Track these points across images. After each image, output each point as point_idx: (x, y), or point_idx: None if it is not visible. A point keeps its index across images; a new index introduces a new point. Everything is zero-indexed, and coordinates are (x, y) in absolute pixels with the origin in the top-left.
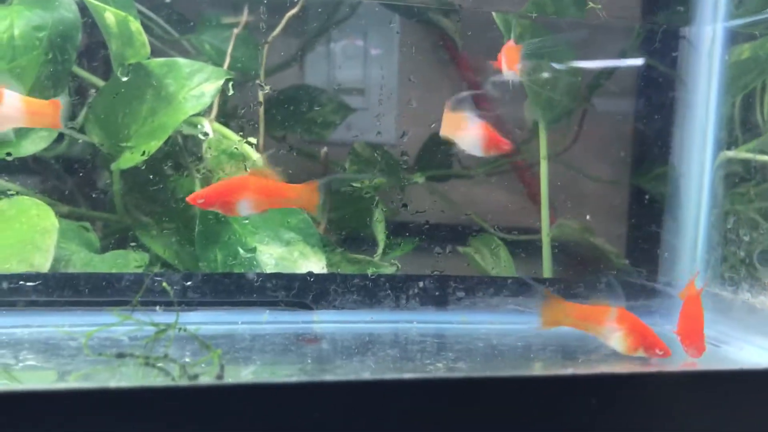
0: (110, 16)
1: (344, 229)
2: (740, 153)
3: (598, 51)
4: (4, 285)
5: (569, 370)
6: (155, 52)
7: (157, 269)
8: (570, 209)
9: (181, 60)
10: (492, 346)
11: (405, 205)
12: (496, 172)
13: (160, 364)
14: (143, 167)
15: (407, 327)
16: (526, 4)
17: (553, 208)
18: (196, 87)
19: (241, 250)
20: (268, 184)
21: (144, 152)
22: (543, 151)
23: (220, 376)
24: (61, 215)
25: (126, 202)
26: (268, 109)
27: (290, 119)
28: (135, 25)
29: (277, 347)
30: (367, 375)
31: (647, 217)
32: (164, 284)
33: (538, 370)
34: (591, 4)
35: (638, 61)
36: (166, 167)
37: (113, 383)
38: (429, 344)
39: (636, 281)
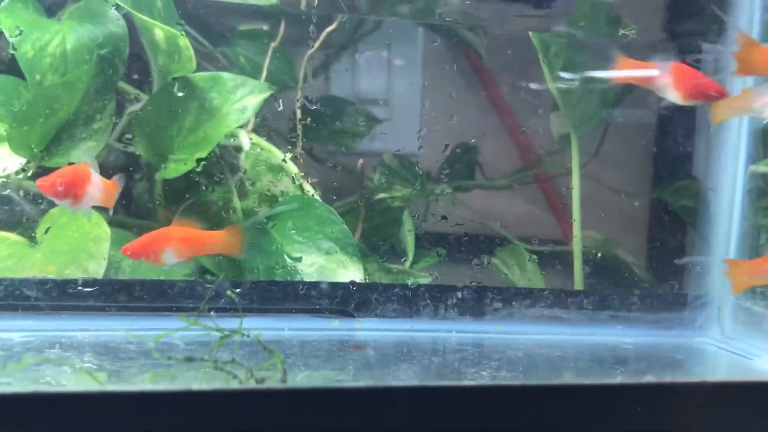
0: (159, 32)
1: (375, 239)
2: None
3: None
4: (64, 289)
5: (617, 379)
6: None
7: (201, 276)
8: (593, 221)
9: (225, 74)
10: (529, 356)
11: (444, 217)
12: (519, 183)
13: (227, 368)
14: (188, 178)
15: (446, 336)
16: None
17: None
18: (239, 101)
19: (281, 260)
20: (190, 233)
21: (188, 163)
22: (575, 163)
23: (284, 380)
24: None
25: (170, 212)
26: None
27: (320, 130)
28: (183, 40)
29: (324, 353)
30: (427, 381)
31: (667, 229)
32: (229, 292)
33: (581, 378)
34: (622, 30)
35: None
36: (204, 177)
37: (194, 386)
38: (469, 353)
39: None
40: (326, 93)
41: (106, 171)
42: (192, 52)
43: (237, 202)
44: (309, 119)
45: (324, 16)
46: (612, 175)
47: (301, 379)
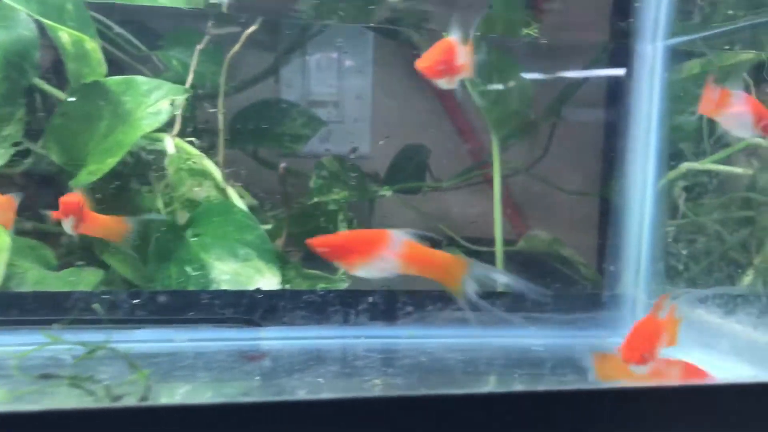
0: (65, 35)
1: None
2: (696, 165)
3: (559, 67)
4: None
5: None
6: (124, 68)
7: (111, 287)
8: (542, 221)
9: (138, 77)
10: (436, 361)
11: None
12: (467, 185)
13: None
14: (105, 183)
15: (355, 342)
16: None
17: (522, 220)
18: (154, 104)
19: (194, 267)
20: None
21: (101, 170)
22: (497, 166)
23: (144, 398)
24: (20, 232)
25: None
26: (237, 124)
27: (261, 133)
28: (91, 44)
29: (219, 365)
30: (286, 396)
31: (605, 229)
32: (96, 306)
33: (479, 385)
34: (526, 30)
35: (597, 75)
36: (129, 183)
37: (31, 406)
38: (373, 360)
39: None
40: (275, 95)
41: (24, 179)
42: (101, 55)
43: (161, 208)
44: (240, 121)
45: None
46: (563, 175)
47: (181, 394)
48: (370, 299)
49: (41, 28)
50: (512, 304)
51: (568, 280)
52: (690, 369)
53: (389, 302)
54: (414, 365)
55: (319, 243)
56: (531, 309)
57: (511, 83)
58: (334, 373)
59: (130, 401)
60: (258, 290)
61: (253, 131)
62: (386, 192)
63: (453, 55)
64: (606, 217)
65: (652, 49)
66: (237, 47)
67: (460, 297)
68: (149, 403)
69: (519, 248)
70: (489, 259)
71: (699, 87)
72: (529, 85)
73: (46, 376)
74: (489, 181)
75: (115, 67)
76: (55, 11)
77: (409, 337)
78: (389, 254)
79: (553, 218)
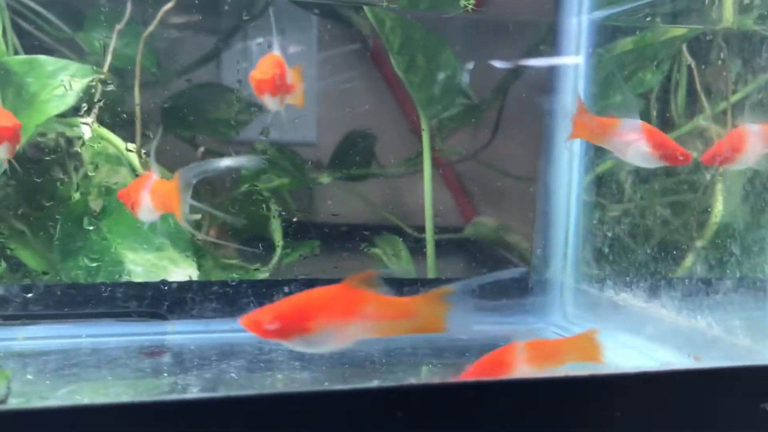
0: None
1: (240, 233)
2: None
3: (503, 47)
4: None
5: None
6: (47, 50)
7: (12, 278)
8: (489, 207)
9: (42, 57)
10: (355, 352)
11: (298, 210)
12: (413, 171)
13: None
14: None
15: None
16: None
17: (471, 206)
18: (60, 86)
19: (105, 258)
20: None
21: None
22: (426, 149)
23: (2, 401)
24: None
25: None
26: (173, 109)
27: (194, 119)
28: None
29: (113, 362)
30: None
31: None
32: None
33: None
34: (464, 2)
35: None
36: (46, 170)
37: None
38: (282, 353)
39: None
40: (212, 80)
41: None
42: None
43: (75, 195)
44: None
45: None
46: (507, 160)
47: (62, 393)
48: (287, 289)
49: None
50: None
51: (508, 266)
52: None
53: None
54: (329, 358)
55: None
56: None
57: (439, 63)
58: (237, 368)
59: None
60: (164, 281)
61: (187, 117)
62: (325, 179)
63: (285, 73)
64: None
65: (577, 23)
66: (152, 27)
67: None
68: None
69: (465, 235)
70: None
71: (632, 65)
72: (457, 65)
73: None
74: (436, 167)
75: (40, 51)
76: None
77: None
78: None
79: (500, 204)
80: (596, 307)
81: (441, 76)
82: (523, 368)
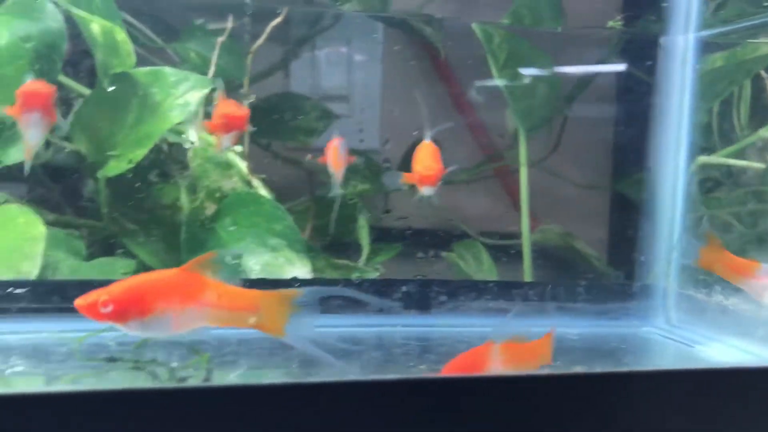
0: (96, 26)
1: (328, 235)
2: (713, 158)
3: (576, 59)
4: None
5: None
6: (140, 61)
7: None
8: (552, 214)
9: (166, 69)
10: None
11: (388, 211)
12: (479, 178)
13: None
14: (130, 175)
15: (391, 330)
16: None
17: (535, 214)
18: (182, 96)
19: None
20: None
21: (130, 160)
22: (523, 158)
23: (207, 379)
24: (47, 223)
25: (112, 210)
26: (253, 117)
27: (275, 127)
28: (120, 35)
29: (264, 351)
30: (351, 376)
31: (626, 221)
32: None
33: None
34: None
35: (614, 68)
36: (152, 175)
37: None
38: (412, 347)
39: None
40: (285, 89)
41: (50, 170)
42: (131, 46)
43: (184, 200)
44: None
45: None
46: (573, 169)
47: (232, 378)
48: (404, 288)
49: (67, 19)
50: (544, 293)
51: (590, 271)
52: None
53: (423, 291)
54: (452, 353)
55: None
56: (564, 299)
57: (540, 75)
58: (377, 360)
59: (194, 383)
60: (295, 279)
61: (268, 125)
62: (405, 185)
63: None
64: (621, 210)
65: (683, 41)
66: (261, 40)
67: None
68: (212, 383)
69: (532, 241)
70: (513, 252)
71: (722, 81)
72: (558, 78)
73: (111, 360)
74: (499, 176)
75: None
76: (83, 3)
77: (443, 325)
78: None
79: (562, 212)
80: (703, 311)
81: (542, 88)
82: (495, 369)
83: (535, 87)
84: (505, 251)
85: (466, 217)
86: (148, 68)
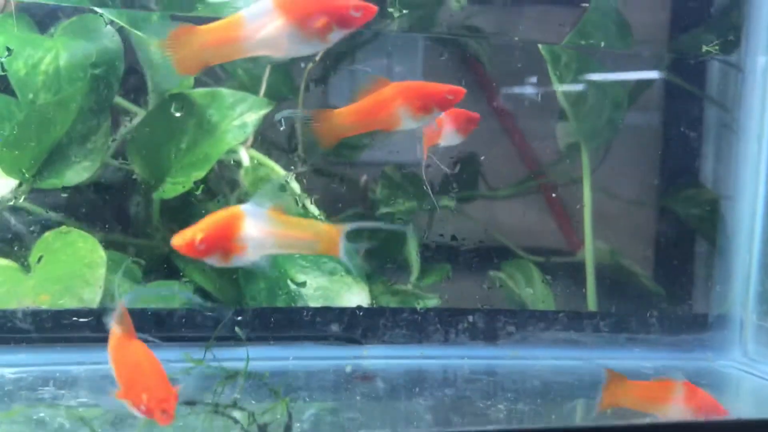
0: (154, 48)
1: (379, 256)
2: None
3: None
4: (58, 320)
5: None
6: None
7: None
8: (599, 231)
9: (224, 90)
10: (546, 384)
11: (441, 235)
12: (523, 194)
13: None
14: (185, 196)
15: (458, 363)
16: (567, 36)
17: (575, 232)
18: (239, 117)
19: (283, 282)
20: None
21: (184, 185)
22: (586, 176)
23: (289, 426)
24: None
25: (167, 231)
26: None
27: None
28: None
29: (331, 385)
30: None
31: (679, 240)
32: (237, 330)
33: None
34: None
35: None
36: (205, 194)
37: None
38: (483, 383)
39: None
40: (325, 104)
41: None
42: None
43: None
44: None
45: None
46: (618, 184)
47: (308, 416)
48: (470, 318)
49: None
50: (616, 324)
51: (645, 293)
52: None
53: (489, 321)
54: (527, 390)
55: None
56: (635, 330)
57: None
58: (451, 398)
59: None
60: (359, 307)
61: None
62: (449, 203)
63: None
64: (667, 228)
65: (765, 62)
66: (317, 59)
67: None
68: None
69: (577, 259)
70: (568, 270)
71: None
72: (624, 100)
73: (190, 403)
74: (543, 191)
75: None
76: (142, 23)
77: (512, 357)
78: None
79: (606, 229)
80: None
81: (608, 110)
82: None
83: (602, 105)
84: (553, 270)
85: (510, 234)
86: (205, 89)
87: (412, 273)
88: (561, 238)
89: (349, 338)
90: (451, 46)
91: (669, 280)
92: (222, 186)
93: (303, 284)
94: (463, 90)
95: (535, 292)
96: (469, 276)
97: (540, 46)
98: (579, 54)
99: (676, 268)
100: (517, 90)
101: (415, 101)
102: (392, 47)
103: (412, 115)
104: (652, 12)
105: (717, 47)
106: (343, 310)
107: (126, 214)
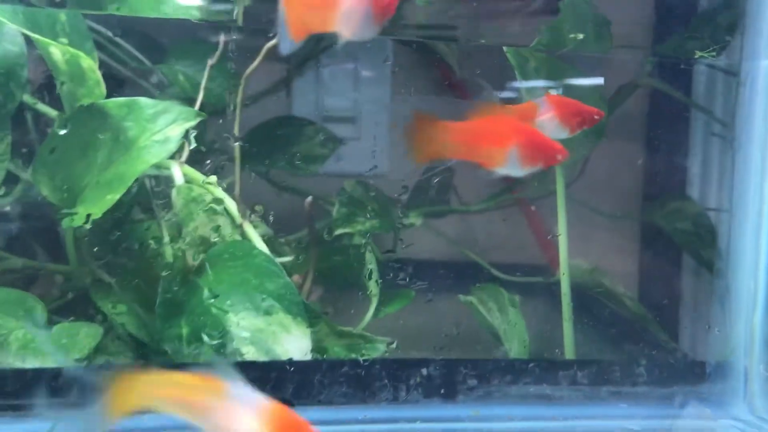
0: (56, 51)
1: (331, 282)
2: None
3: (610, 81)
4: None
5: None
6: (126, 83)
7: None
8: (578, 248)
9: (143, 100)
10: None
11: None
12: (497, 207)
13: None
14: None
15: (410, 428)
16: (536, 38)
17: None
18: (160, 131)
19: (209, 323)
20: None
21: (99, 206)
22: (560, 189)
23: None
24: (14, 269)
25: (83, 256)
26: (247, 143)
27: (274, 154)
28: (87, 61)
29: None
30: None
31: (664, 255)
32: None
33: None
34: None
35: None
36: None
37: None
38: None
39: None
40: (286, 110)
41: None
42: (99, 75)
43: (167, 247)
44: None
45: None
46: (598, 196)
47: None
48: (425, 371)
49: (31, 42)
50: (597, 374)
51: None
52: None
53: (448, 374)
54: None
55: None
56: (620, 381)
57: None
58: None
59: None
60: (290, 361)
61: (265, 151)
62: (415, 220)
63: None
64: (651, 243)
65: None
66: (256, 63)
67: None
68: None
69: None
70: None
71: None
72: (603, 106)
73: None
74: (519, 205)
75: (114, 82)
76: (46, 23)
77: (473, 418)
78: None
79: (588, 244)
80: None
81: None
82: None
83: None
84: (527, 292)
85: (483, 251)
86: (121, 99)
87: (371, 304)
88: (539, 255)
89: (280, 399)
90: (419, 48)
91: (650, 294)
92: (154, 204)
93: (224, 323)
94: (566, 152)
95: (507, 323)
96: (436, 303)
97: (505, 49)
98: (549, 58)
99: (657, 282)
100: (489, 95)
101: (529, 149)
102: (357, 49)
103: (521, 162)
104: (635, 11)
105: (714, 53)
106: (269, 365)
107: (41, 236)
